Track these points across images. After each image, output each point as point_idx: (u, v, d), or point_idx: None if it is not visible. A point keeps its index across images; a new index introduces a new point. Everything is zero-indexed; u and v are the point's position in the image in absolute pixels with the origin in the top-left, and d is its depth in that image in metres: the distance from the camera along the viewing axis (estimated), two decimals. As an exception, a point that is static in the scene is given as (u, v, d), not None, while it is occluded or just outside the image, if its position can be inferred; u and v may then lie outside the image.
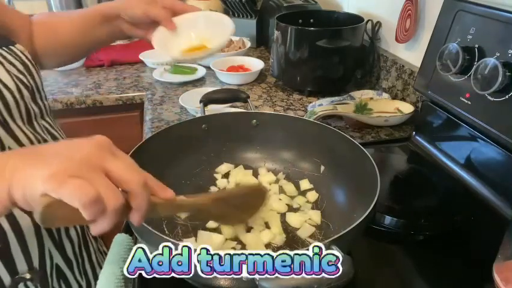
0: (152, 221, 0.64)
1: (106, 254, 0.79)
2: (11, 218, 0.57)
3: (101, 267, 0.61)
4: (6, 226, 0.57)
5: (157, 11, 0.71)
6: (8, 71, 0.60)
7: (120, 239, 0.67)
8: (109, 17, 0.75)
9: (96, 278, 0.65)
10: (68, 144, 0.39)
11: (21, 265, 0.59)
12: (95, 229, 0.38)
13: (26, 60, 0.65)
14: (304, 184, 0.73)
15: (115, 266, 0.61)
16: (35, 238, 0.60)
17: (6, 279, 0.58)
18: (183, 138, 0.73)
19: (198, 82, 1.30)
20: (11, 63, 0.61)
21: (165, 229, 0.64)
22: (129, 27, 0.75)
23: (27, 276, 0.60)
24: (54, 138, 0.67)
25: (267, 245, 0.61)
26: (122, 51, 1.57)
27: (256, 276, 0.40)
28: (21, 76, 0.62)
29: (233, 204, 0.51)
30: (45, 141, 0.64)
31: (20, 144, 0.59)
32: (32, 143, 0.61)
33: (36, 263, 0.61)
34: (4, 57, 0.61)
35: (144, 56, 1.45)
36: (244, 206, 0.53)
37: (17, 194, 0.36)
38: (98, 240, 0.81)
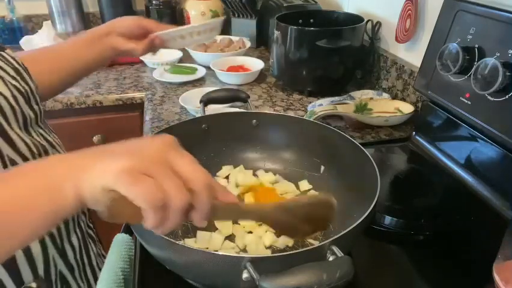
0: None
1: (104, 256, 0.79)
2: None
3: (101, 271, 0.61)
4: None
5: (147, 21, 0.79)
6: (1, 77, 0.58)
7: (120, 239, 0.67)
8: (100, 35, 0.77)
9: (96, 281, 0.64)
10: (136, 143, 0.40)
11: (26, 274, 0.58)
12: (158, 230, 0.38)
13: (17, 65, 0.63)
14: (304, 184, 0.73)
15: (115, 265, 0.62)
16: (40, 246, 0.60)
17: None
18: (183, 138, 0.72)
19: (198, 82, 1.30)
20: (2, 69, 0.60)
21: (165, 229, 0.63)
22: (121, 40, 0.77)
23: (34, 285, 0.59)
24: (50, 143, 0.66)
25: (268, 247, 0.61)
26: (122, 51, 1.58)
27: (256, 276, 0.40)
28: (14, 82, 0.61)
29: (298, 215, 0.46)
30: (42, 146, 0.63)
31: (18, 151, 0.58)
32: (30, 149, 0.60)
33: (41, 271, 0.60)
34: None
35: (144, 56, 1.45)
36: (310, 218, 0.48)
37: (85, 192, 0.36)
38: (98, 244, 0.81)
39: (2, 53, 0.62)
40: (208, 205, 0.38)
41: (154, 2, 1.66)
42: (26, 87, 0.63)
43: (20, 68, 0.64)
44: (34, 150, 0.60)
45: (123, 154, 0.37)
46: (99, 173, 0.36)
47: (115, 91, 1.25)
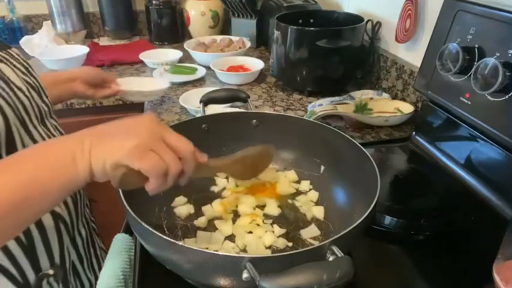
0: (152, 221, 0.64)
1: (105, 251, 0.82)
2: None
3: (101, 270, 0.62)
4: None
5: (106, 74, 0.98)
6: (15, 73, 0.62)
7: (120, 239, 0.67)
8: (65, 79, 0.89)
9: None
10: (130, 122, 0.47)
11: (44, 262, 0.62)
12: (155, 191, 0.46)
13: (24, 62, 0.66)
14: (304, 184, 0.73)
15: (115, 265, 0.62)
16: (56, 235, 0.63)
17: (31, 277, 0.61)
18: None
19: (198, 82, 1.30)
20: (13, 65, 0.63)
21: (165, 229, 0.64)
22: (83, 87, 0.90)
23: (51, 272, 0.63)
24: (62, 135, 0.71)
25: (268, 247, 0.61)
26: (122, 51, 1.58)
27: (256, 276, 0.40)
28: (25, 77, 0.64)
29: (248, 163, 0.65)
30: (56, 137, 0.67)
31: (36, 142, 0.62)
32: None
33: (57, 259, 0.64)
34: (7, 60, 0.62)
35: (144, 56, 1.45)
36: (256, 164, 0.68)
37: (96, 167, 0.43)
38: (99, 238, 0.85)
39: (9, 50, 0.65)
40: (193, 169, 0.48)
41: (154, 2, 1.65)
42: (36, 83, 0.67)
43: (26, 65, 0.67)
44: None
45: (126, 134, 0.45)
46: (111, 151, 0.43)
47: (115, 91, 1.25)
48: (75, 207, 0.68)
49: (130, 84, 1.01)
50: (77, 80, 0.89)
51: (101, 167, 0.43)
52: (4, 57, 0.62)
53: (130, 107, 1.25)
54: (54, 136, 0.68)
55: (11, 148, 0.56)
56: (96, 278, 0.76)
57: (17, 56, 0.66)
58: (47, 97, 0.70)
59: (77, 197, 0.70)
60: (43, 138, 0.64)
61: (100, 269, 0.76)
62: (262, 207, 0.68)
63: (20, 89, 0.61)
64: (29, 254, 0.60)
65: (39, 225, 0.60)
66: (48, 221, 0.61)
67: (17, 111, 0.59)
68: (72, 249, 0.69)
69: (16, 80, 0.61)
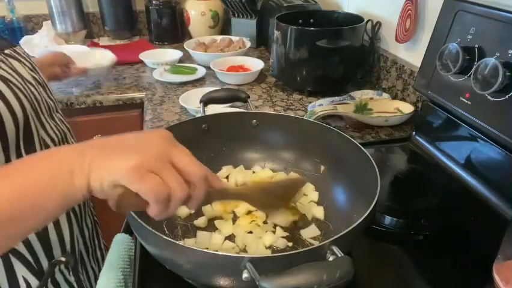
0: (152, 220, 0.64)
1: (106, 247, 0.85)
2: None
3: (106, 256, 0.64)
4: None
5: (70, 58, 1.13)
6: (25, 69, 0.65)
7: (120, 239, 0.67)
8: (48, 64, 1.02)
9: (103, 265, 0.68)
10: (138, 138, 0.43)
11: (56, 250, 0.65)
12: (158, 218, 0.42)
13: (30, 60, 0.69)
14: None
15: (115, 265, 0.62)
16: (67, 223, 0.66)
17: (45, 264, 0.64)
18: (183, 138, 0.72)
19: (198, 82, 1.30)
20: (21, 61, 0.66)
21: (165, 229, 0.64)
22: (60, 69, 1.07)
23: (63, 259, 0.65)
24: (68, 129, 0.75)
25: (268, 247, 0.61)
26: (122, 51, 1.57)
27: (256, 276, 0.40)
28: (32, 73, 0.67)
29: (274, 194, 0.56)
30: (62, 131, 0.71)
31: (48, 133, 0.66)
32: (55, 133, 0.68)
33: (68, 247, 0.67)
34: (15, 57, 0.65)
35: (144, 56, 1.45)
36: (283, 195, 0.58)
37: (94, 184, 0.39)
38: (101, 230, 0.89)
39: (15, 48, 0.68)
40: (203, 195, 0.43)
41: (154, 2, 1.65)
42: (41, 79, 0.70)
43: (32, 62, 0.70)
44: (57, 133, 0.68)
45: (129, 151, 0.40)
46: (109, 170, 0.39)
47: (115, 91, 1.25)
48: None
49: (81, 59, 1.18)
50: (55, 64, 1.05)
51: (99, 184, 0.39)
52: (14, 55, 0.65)
53: (130, 107, 1.25)
54: (62, 129, 0.70)
55: (29, 139, 0.60)
56: (99, 269, 0.79)
57: (23, 54, 0.69)
58: (51, 92, 0.72)
59: None
60: (54, 132, 0.67)
61: (102, 261, 0.81)
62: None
63: (30, 83, 0.64)
64: (43, 242, 0.62)
65: None
66: None
67: (32, 103, 0.62)
68: (80, 238, 0.72)
69: (27, 75, 0.64)
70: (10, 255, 0.60)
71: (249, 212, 0.67)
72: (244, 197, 0.54)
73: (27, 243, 0.61)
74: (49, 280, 0.65)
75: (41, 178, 0.39)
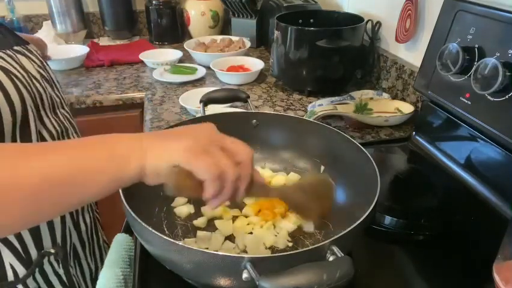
0: (152, 221, 0.64)
1: (107, 244, 0.85)
2: None
3: (106, 253, 0.64)
4: None
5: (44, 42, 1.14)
6: (32, 65, 0.67)
7: (120, 239, 0.67)
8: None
9: (103, 262, 0.69)
10: (188, 127, 0.48)
11: (46, 241, 0.65)
12: (215, 202, 0.45)
13: (40, 57, 0.72)
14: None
15: (115, 265, 0.62)
16: (59, 216, 0.66)
17: (33, 253, 0.64)
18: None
19: (198, 82, 1.30)
20: (31, 59, 0.68)
21: (165, 229, 0.64)
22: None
23: (52, 250, 0.66)
24: (72, 126, 0.75)
25: (268, 247, 0.61)
26: (122, 51, 1.58)
27: (256, 276, 0.40)
28: (41, 70, 0.69)
29: (308, 191, 0.57)
30: (65, 126, 0.71)
31: (48, 130, 0.66)
32: (54, 127, 0.68)
33: (59, 239, 0.67)
34: (25, 54, 0.67)
35: (144, 56, 1.45)
36: (318, 194, 0.58)
37: (150, 167, 0.42)
38: (102, 229, 0.89)
39: (27, 46, 0.71)
40: (250, 173, 0.46)
41: (154, 2, 1.65)
42: (49, 76, 0.72)
43: (42, 60, 0.72)
44: (57, 128, 0.69)
45: (183, 135, 0.45)
46: (165, 151, 0.42)
47: (115, 91, 1.25)
48: None
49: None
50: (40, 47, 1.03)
51: (155, 167, 0.42)
52: (23, 51, 0.68)
53: (130, 107, 1.26)
54: (64, 125, 0.71)
55: (25, 129, 0.60)
56: (97, 267, 0.79)
57: (35, 52, 0.71)
58: (58, 90, 0.74)
59: None
60: (53, 126, 0.68)
61: (102, 259, 0.80)
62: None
63: (36, 79, 0.66)
64: (33, 231, 0.63)
65: None
66: None
67: (34, 98, 0.63)
68: (74, 232, 0.72)
69: (33, 71, 0.66)
70: None
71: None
72: (280, 196, 0.56)
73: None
74: (37, 270, 0.65)
75: (99, 155, 0.41)
